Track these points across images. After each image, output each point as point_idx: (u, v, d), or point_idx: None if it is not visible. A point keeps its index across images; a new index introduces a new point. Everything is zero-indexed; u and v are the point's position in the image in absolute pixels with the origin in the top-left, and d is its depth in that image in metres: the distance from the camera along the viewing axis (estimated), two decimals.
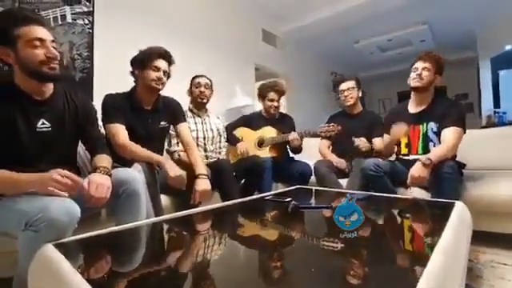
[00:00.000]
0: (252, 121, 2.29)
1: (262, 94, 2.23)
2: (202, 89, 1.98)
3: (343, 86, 2.14)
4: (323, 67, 5.31)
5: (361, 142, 1.93)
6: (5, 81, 1.02)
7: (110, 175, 1.05)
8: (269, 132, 2.16)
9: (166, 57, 1.53)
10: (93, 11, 2.10)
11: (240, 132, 2.28)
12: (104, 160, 1.14)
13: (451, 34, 4.57)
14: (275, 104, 2.20)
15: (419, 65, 1.63)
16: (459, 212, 1.02)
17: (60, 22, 1.97)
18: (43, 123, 1.04)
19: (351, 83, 2.12)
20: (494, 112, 4.51)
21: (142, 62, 1.48)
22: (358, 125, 2.05)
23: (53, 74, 1.00)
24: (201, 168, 1.51)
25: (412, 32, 4.34)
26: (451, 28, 4.37)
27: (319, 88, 5.15)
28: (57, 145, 1.09)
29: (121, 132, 1.39)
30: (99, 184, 0.98)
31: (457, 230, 0.87)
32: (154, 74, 1.46)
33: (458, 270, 0.72)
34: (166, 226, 1.03)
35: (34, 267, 0.72)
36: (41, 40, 0.97)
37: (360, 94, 2.16)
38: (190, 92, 2.04)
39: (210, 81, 2.06)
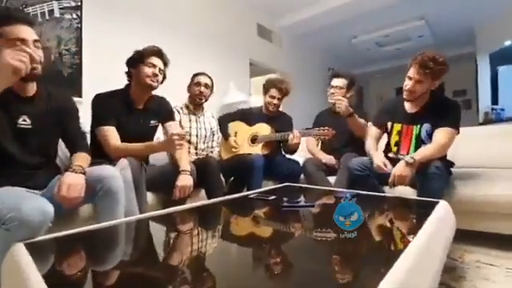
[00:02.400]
0: (249, 115, 2.26)
1: (266, 89, 2.19)
2: (202, 88, 1.95)
3: (333, 83, 2.12)
4: (320, 63, 5.27)
5: (341, 101, 1.87)
6: None
7: (84, 173, 1.05)
8: (263, 129, 2.14)
9: (161, 55, 1.54)
10: (81, 6, 2.08)
11: (235, 126, 2.26)
12: (80, 158, 1.14)
13: (449, 30, 4.52)
14: (274, 101, 2.15)
15: (413, 75, 1.47)
16: (441, 211, 1.02)
17: (48, 17, 1.95)
18: (24, 120, 1.05)
19: (341, 82, 2.09)
20: (492, 109, 4.48)
21: (137, 60, 1.48)
22: (345, 122, 2.01)
23: (32, 74, 0.98)
24: (184, 164, 1.51)
25: (410, 27, 4.29)
26: (449, 23, 4.33)
27: (315, 84, 5.12)
28: (37, 142, 1.09)
29: (112, 135, 1.39)
30: (71, 184, 0.98)
31: (435, 229, 0.87)
32: (149, 70, 1.47)
33: (430, 270, 0.71)
34: (145, 224, 1.03)
35: (5, 266, 0.72)
36: (22, 40, 0.96)
37: (349, 95, 2.12)
38: (189, 89, 2.01)
39: (211, 80, 2.03)
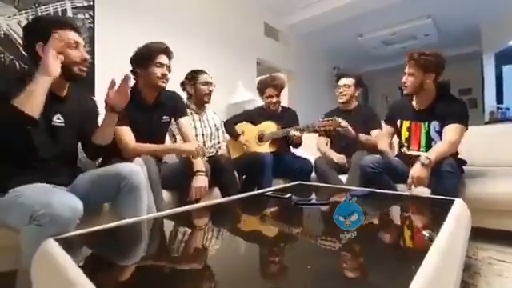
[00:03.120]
0: (253, 115, 2.29)
1: (261, 91, 2.23)
2: (211, 87, 1.95)
3: (340, 82, 2.16)
4: (326, 61, 5.27)
5: (363, 138, 1.96)
6: (22, 76, 1.06)
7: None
8: (269, 127, 2.16)
9: (168, 52, 1.53)
10: (93, 5, 2.09)
11: (241, 127, 2.28)
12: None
13: (455, 28, 4.50)
14: (273, 100, 2.18)
15: (406, 69, 1.61)
16: (458, 210, 1.03)
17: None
18: (58, 118, 1.11)
19: (349, 81, 2.13)
20: (497, 108, 4.47)
21: (144, 60, 1.47)
22: (353, 120, 2.04)
23: (81, 74, 1.10)
24: (199, 164, 1.51)
25: (416, 26, 4.27)
26: (455, 22, 4.31)
27: (322, 82, 5.12)
28: (66, 141, 1.14)
29: (128, 136, 1.40)
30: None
31: (454, 228, 0.88)
32: (158, 71, 1.46)
33: (453, 268, 0.72)
34: (166, 222, 1.05)
35: (37, 261, 0.73)
36: (77, 43, 1.09)
37: (357, 93, 2.17)
38: (193, 88, 1.96)
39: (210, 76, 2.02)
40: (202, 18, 2.96)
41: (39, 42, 1.02)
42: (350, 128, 1.93)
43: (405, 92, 1.63)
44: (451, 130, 1.50)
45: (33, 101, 0.94)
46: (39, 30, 1.04)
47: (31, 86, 0.95)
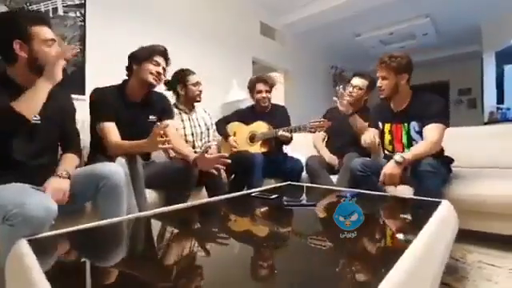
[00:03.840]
0: (245, 115, 2.28)
1: (251, 88, 2.23)
2: (200, 87, 1.97)
3: (353, 82, 2.10)
4: (323, 61, 5.24)
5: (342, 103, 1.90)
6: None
7: (69, 177, 1.08)
8: (260, 127, 2.15)
9: (166, 55, 1.56)
10: (84, 4, 2.08)
11: (233, 127, 2.27)
12: (69, 160, 1.18)
13: (455, 28, 4.46)
14: (263, 95, 2.17)
15: (378, 74, 1.63)
16: (443, 211, 1.01)
17: (52, 15, 1.95)
18: (35, 116, 1.08)
19: (361, 82, 2.07)
20: (497, 108, 4.43)
21: (142, 56, 1.49)
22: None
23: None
24: (192, 153, 1.53)
25: (414, 25, 4.24)
26: (455, 21, 4.27)
27: (319, 82, 5.10)
28: (44, 139, 1.12)
29: (112, 132, 1.39)
30: (55, 189, 1.00)
31: (436, 229, 0.86)
32: (153, 68, 1.48)
33: (431, 270, 0.71)
34: (148, 222, 1.03)
35: (9, 261, 0.73)
36: (53, 40, 1.08)
37: (366, 97, 2.12)
38: (184, 89, 1.95)
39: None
40: (197, 16, 2.94)
41: (16, 40, 1.01)
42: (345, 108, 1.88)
43: (381, 96, 1.63)
44: (430, 130, 1.49)
45: (33, 105, 0.99)
46: (16, 27, 1.02)
47: (33, 90, 1.00)
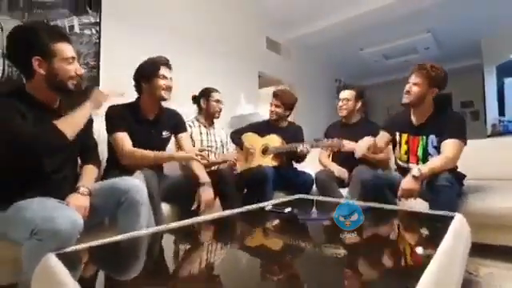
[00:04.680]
0: (260, 128, 2.31)
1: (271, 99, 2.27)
2: (221, 105, 2.08)
3: (341, 95, 2.18)
4: (327, 74, 5.33)
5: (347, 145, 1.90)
6: (15, 89, 1.09)
7: (90, 194, 1.10)
8: (273, 140, 2.17)
9: (169, 65, 1.59)
10: (99, 22, 2.16)
11: (247, 137, 2.30)
12: (89, 174, 1.20)
13: (456, 42, 4.56)
14: (272, 109, 2.22)
15: (411, 79, 1.59)
16: (457, 225, 1.02)
17: (68, 32, 2.03)
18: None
19: (348, 94, 2.15)
20: (499, 120, 4.47)
21: (149, 73, 1.53)
22: (355, 134, 2.01)
23: (74, 89, 1.12)
24: (204, 176, 1.54)
25: (416, 40, 4.35)
26: (455, 36, 4.37)
27: (323, 95, 5.17)
28: (66, 154, 1.15)
29: (125, 140, 1.43)
30: (76, 206, 1.02)
31: (453, 243, 0.87)
32: (162, 83, 1.52)
33: (451, 285, 0.72)
34: (166, 236, 1.05)
35: (37, 276, 0.74)
36: (73, 58, 1.11)
37: (358, 106, 2.17)
38: (206, 104, 2.07)
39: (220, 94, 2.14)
40: (206, 33, 3.04)
41: (36, 56, 1.02)
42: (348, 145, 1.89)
43: (405, 101, 1.60)
44: (448, 145, 1.49)
45: (74, 126, 1.04)
46: (36, 43, 1.02)
47: (77, 112, 1.07)
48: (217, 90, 2.12)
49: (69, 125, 1.02)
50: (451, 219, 1.06)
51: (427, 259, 0.71)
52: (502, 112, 4.60)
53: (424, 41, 4.38)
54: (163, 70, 1.54)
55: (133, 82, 1.60)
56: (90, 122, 1.31)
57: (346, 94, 2.15)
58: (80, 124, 1.08)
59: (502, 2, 3.40)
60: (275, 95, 2.22)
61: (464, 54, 4.95)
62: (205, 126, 2.10)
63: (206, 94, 2.09)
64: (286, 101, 2.20)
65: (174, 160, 1.51)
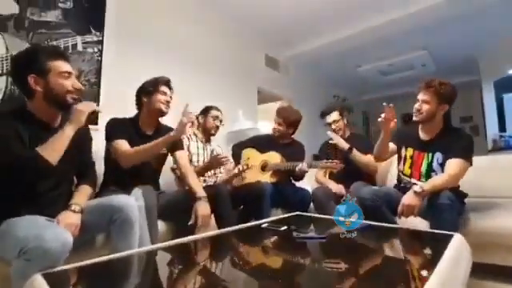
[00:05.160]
0: (261, 142, 2.31)
1: (275, 117, 2.27)
2: (218, 123, 2.14)
3: (328, 120, 2.21)
4: (326, 91, 5.39)
5: (335, 138, 2.03)
6: (17, 108, 1.11)
7: (82, 211, 1.09)
8: (273, 157, 2.17)
9: (170, 84, 1.68)
10: (102, 40, 2.22)
11: (247, 153, 2.30)
12: (83, 193, 1.19)
13: (452, 58, 4.64)
14: (275, 126, 2.23)
15: (420, 96, 1.58)
16: (456, 245, 1.00)
17: (71, 51, 2.08)
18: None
19: (335, 115, 2.20)
20: (500, 136, 4.47)
21: (150, 89, 1.61)
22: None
23: (74, 103, 1.12)
24: (200, 190, 1.54)
25: (412, 57, 4.42)
26: (451, 52, 4.45)
27: (321, 110, 5.20)
28: (59, 173, 1.13)
29: (123, 145, 1.46)
30: (67, 224, 1.01)
31: (452, 264, 0.85)
32: (162, 98, 1.60)
33: None
34: (161, 254, 1.03)
35: None
36: (69, 73, 1.11)
37: (346, 121, 2.24)
38: (204, 120, 2.15)
39: (221, 112, 2.21)
40: (206, 50, 3.11)
41: (31, 74, 1.04)
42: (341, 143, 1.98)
43: (416, 119, 1.59)
44: (453, 164, 1.48)
45: (58, 151, 1.02)
46: (33, 62, 1.05)
47: (59, 136, 1.04)
48: (217, 109, 2.19)
49: (52, 151, 1.01)
50: (450, 239, 1.04)
51: (424, 280, 0.69)
52: (502, 127, 4.61)
53: (420, 58, 4.45)
54: (163, 88, 1.62)
55: (134, 98, 1.68)
56: (88, 140, 1.33)
57: (334, 116, 2.20)
58: (62, 147, 1.05)
59: (497, 18, 3.48)
60: (278, 113, 2.22)
61: (461, 70, 5.01)
62: (202, 141, 2.14)
63: (206, 109, 2.18)
64: (289, 119, 2.20)
65: (169, 139, 1.46)
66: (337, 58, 4.40)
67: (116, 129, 1.51)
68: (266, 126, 3.25)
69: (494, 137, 4.51)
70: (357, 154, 2.00)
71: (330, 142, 2.09)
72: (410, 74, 4.90)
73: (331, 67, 4.82)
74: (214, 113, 2.16)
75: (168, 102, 1.62)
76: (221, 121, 2.18)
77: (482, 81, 4.64)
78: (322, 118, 2.27)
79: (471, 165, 1.51)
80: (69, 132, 1.08)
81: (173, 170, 1.94)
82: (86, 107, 1.14)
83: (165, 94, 1.62)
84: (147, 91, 1.61)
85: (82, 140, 1.26)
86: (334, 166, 1.83)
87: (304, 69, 4.68)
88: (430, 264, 0.80)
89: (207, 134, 2.17)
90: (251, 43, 3.76)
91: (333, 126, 2.19)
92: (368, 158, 2.01)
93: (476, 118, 5.82)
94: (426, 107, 1.54)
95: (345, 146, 2.03)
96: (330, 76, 5.21)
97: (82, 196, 1.17)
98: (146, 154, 1.46)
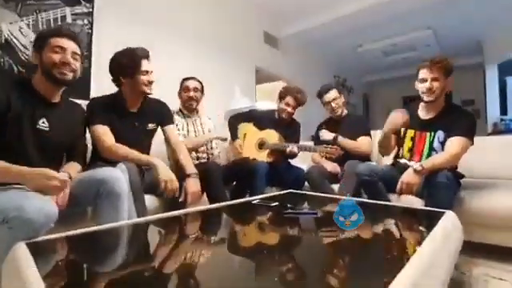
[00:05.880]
0: (260, 119, 2.26)
1: (282, 96, 2.18)
2: (191, 93, 1.95)
3: (327, 98, 2.14)
4: (326, 71, 5.28)
5: (324, 133, 2.02)
6: (25, 81, 1.17)
7: (70, 178, 1.09)
8: (271, 136, 2.14)
9: (149, 56, 1.52)
10: (92, 12, 2.13)
11: (245, 128, 2.26)
12: (71, 167, 1.20)
13: (456, 39, 4.52)
14: (289, 109, 2.15)
15: (427, 75, 1.51)
16: (447, 222, 1.00)
17: (60, 23, 2.00)
18: (44, 122, 1.13)
19: (334, 93, 2.13)
20: (501, 119, 4.42)
21: (129, 69, 1.45)
22: (345, 128, 2.09)
23: (61, 78, 1.13)
24: (191, 167, 1.51)
25: (416, 37, 4.30)
26: (456, 33, 4.32)
27: None
28: (51, 145, 1.16)
29: (107, 134, 1.39)
30: (54, 188, 0.99)
31: (440, 240, 0.85)
32: (144, 79, 1.47)
33: (436, 281, 0.69)
34: (147, 227, 1.03)
35: (6, 264, 0.72)
36: (62, 48, 1.13)
37: (344, 99, 2.19)
38: (180, 95, 2.02)
39: (201, 83, 2.03)
40: (202, 26, 3.00)
41: (34, 51, 1.13)
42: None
43: (430, 99, 1.53)
44: (455, 143, 1.45)
45: None
46: (37, 39, 1.15)
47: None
48: (190, 78, 2.01)
49: None
50: (441, 216, 1.03)
51: (411, 253, 0.68)
52: (503, 111, 4.56)
53: (424, 38, 4.33)
54: (145, 65, 1.46)
55: (110, 76, 1.52)
56: (82, 123, 1.34)
57: (333, 94, 2.14)
58: None
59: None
60: (289, 91, 2.15)
61: (465, 52, 4.89)
62: (188, 117, 2.02)
63: (181, 83, 2.03)
64: (301, 100, 2.16)
65: (154, 170, 1.38)
66: (338, 36, 4.28)
67: (97, 111, 1.41)
68: (265, 105, 3.19)
69: (495, 120, 4.47)
70: (342, 141, 1.98)
71: (321, 136, 2.08)
72: (413, 54, 4.78)
73: (332, 46, 4.69)
74: (184, 84, 1.98)
75: (151, 82, 1.49)
76: (196, 89, 1.98)
77: (486, 64, 4.55)
78: (320, 97, 2.19)
79: (472, 144, 1.48)
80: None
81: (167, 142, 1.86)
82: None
83: (146, 72, 1.46)
84: (126, 72, 1.45)
85: (75, 120, 1.28)
86: (333, 152, 1.81)
87: (304, 48, 4.55)
88: (420, 239, 0.79)
89: (187, 108, 2.01)
90: (249, 19, 3.63)
91: (333, 104, 2.12)
92: (355, 144, 2.00)
93: (478, 102, 5.74)
94: (436, 85, 1.50)
95: (328, 137, 2.02)
96: (331, 56, 5.09)
97: (71, 168, 1.18)
98: (130, 160, 1.34)
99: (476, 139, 2.13)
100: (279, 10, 3.68)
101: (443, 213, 1.07)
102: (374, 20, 3.78)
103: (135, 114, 1.54)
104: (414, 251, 0.71)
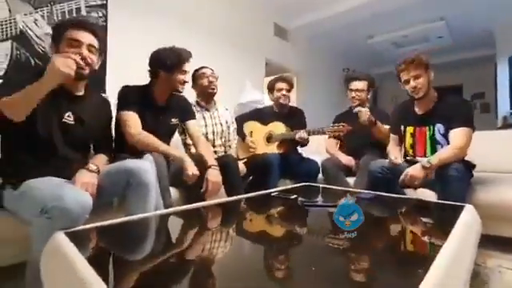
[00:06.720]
0: (263, 115, 2.28)
1: (271, 87, 2.22)
2: (211, 78, 1.94)
3: (353, 86, 2.11)
4: (335, 63, 5.23)
5: (362, 111, 1.89)
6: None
7: (98, 172, 1.11)
8: (278, 128, 2.16)
9: (190, 60, 1.58)
10: (106, 4, 2.12)
11: (250, 126, 2.28)
12: (99, 158, 1.22)
13: (469, 31, 4.41)
14: (283, 92, 2.17)
15: (407, 76, 1.55)
16: (467, 216, 1.01)
17: (75, 15, 2.00)
18: (69, 116, 1.14)
19: (362, 84, 2.09)
20: (511, 113, 4.36)
21: (172, 66, 1.49)
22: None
23: (77, 72, 1.07)
24: (211, 159, 1.53)
25: (429, 28, 4.21)
26: (470, 25, 4.22)
27: (331, 83, 5.09)
28: (77, 139, 1.17)
29: (134, 120, 1.42)
30: (83, 183, 1.02)
31: (463, 234, 0.86)
32: (181, 78, 1.52)
33: (461, 275, 0.71)
34: (174, 219, 1.06)
35: (46, 254, 0.75)
36: (77, 41, 1.09)
37: (369, 96, 2.14)
38: (196, 85, 1.98)
39: (213, 71, 2.01)
40: (212, 18, 2.98)
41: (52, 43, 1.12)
42: (367, 117, 1.87)
43: (418, 96, 1.56)
44: (458, 135, 1.46)
45: (18, 106, 0.95)
46: (53, 33, 1.13)
47: (28, 88, 0.94)
48: (203, 67, 1.98)
49: (8, 104, 0.94)
50: (461, 209, 1.04)
51: (437, 249, 0.69)
52: None
53: (437, 29, 4.24)
54: (186, 66, 1.53)
55: (147, 67, 1.56)
56: (109, 115, 1.36)
57: (360, 85, 2.09)
58: (27, 104, 0.96)
59: None
60: (285, 80, 2.20)
61: (477, 44, 4.80)
62: (207, 109, 2.00)
63: (195, 73, 1.98)
64: (290, 83, 2.22)
65: (177, 161, 1.44)
66: (349, 28, 4.20)
67: (127, 98, 1.46)
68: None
69: (505, 114, 4.41)
70: (381, 126, 1.92)
71: (354, 111, 1.97)
72: (425, 46, 4.69)
73: (342, 38, 4.62)
74: (200, 72, 1.95)
75: (186, 81, 1.56)
76: (213, 76, 1.96)
77: (498, 56, 4.46)
78: (347, 82, 2.15)
79: (474, 130, 1.50)
80: (36, 88, 0.96)
81: (184, 143, 1.89)
82: (62, 65, 0.97)
83: (185, 72, 1.53)
84: (168, 67, 1.48)
85: (102, 111, 1.30)
86: (340, 129, 1.81)
87: (314, 40, 4.50)
88: (442, 234, 0.80)
89: (205, 96, 1.98)
90: (259, 11, 3.59)
91: (353, 94, 2.09)
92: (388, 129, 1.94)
93: (488, 95, 5.66)
94: (420, 81, 1.53)
95: (370, 119, 1.90)
96: (341, 48, 5.02)
97: (99, 159, 1.20)
98: (153, 150, 1.37)
99: (486, 133, 2.13)
100: (289, 1, 3.63)
101: (463, 207, 1.08)
102: (386, 11, 3.70)
103: (161, 108, 1.56)
104: (439, 248, 0.71)
